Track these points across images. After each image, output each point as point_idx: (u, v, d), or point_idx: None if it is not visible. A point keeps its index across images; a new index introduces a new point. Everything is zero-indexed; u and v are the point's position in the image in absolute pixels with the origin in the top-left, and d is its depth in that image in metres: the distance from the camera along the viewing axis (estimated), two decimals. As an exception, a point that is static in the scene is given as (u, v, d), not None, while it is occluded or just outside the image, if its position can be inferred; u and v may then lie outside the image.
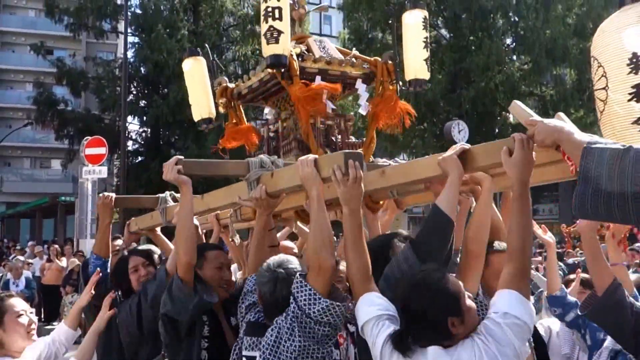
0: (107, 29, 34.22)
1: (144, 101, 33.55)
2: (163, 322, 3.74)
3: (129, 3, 26.17)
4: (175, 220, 4.07)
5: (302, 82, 4.42)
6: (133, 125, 35.03)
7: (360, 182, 2.99)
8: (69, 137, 33.42)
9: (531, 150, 2.69)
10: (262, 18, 4.26)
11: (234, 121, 5.19)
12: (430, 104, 27.69)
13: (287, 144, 4.75)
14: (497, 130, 30.17)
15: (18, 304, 3.81)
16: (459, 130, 20.60)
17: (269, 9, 4.19)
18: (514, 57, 31.14)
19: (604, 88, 3.01)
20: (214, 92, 5.29)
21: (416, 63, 4.76)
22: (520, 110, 2.88)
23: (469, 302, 2.67)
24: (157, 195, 5.08)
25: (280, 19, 4.19)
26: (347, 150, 3.14)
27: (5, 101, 50.65)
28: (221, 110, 5.26)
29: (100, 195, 5.21)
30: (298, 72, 4.40)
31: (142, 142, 34.55)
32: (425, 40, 4.78)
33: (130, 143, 32.43)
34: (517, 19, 30.03)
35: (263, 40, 4.24)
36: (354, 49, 5.22)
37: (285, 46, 4.22)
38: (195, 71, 5.35)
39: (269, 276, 3.32)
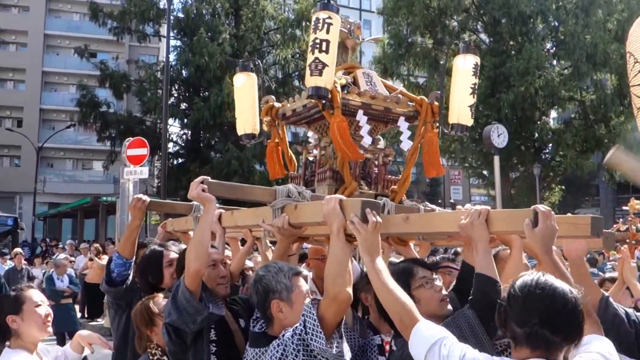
0: (150, 32, 34.84)
1: (185, 104, 34.07)
2: (167, 331, 3.59)
3: (171, 7, 26.51)
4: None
5: (343, 115, 4.37)
6: (174, 127, 35.53)
7: (379, 230, 2.96)
8: (111, 138, 34.06)
9: (554, 221, 2.67)
10: (309, 49, 4.22)
11: (276, 140, 5.19)
12: (469, 109, 27.56)
13: (323, 172, 4.69)
14: (536, 135, 30.03)
15: (36, 295, 3.86)
16: (498, 135, 20.46)
17: (317, 41, 4.15)
18: (554, 62, 30.95)
19: (640, 84, 3.02)
20: (260, 108, 5.25)
21: (461, 108, 4.69)
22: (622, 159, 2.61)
23: None
24: (191, 203, 4.96)
25: (326, 52, 4.14)
26: (365, 199, 3.09)
27: (49, 103, 51.61)
28: (265, 128, 5.22)
29: (135, 196, 4.93)
30: (340, 104, 4.35)
31: (183, 145, 35.01)
32: (473, 86, 4.68)
33: (170, 145, 32.87)
34: (557, 23, 29.88)
35: (307, 71, 4.20)
36: (400, 86, 5.10)
37: (328, 79, 4.17)
38: (246, 87, 5.31)
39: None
